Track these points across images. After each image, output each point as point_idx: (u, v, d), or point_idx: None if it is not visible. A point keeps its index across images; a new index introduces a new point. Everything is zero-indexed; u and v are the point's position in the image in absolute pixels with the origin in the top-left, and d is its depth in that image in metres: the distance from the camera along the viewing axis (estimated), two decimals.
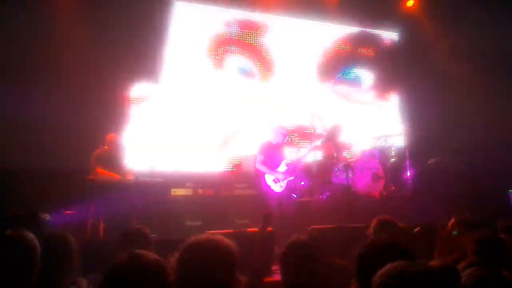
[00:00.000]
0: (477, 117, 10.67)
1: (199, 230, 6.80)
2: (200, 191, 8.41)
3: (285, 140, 8.55)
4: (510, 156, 9.49)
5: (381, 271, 1.72)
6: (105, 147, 7.85)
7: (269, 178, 7.86)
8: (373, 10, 11.34)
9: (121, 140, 8.19)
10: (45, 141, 8.35)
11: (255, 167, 8.01)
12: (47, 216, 4.49)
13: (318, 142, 9.09)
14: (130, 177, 7.55)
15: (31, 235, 2.75)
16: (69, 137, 8.47)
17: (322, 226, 5.96)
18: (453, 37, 11.13)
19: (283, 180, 7.81)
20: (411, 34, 12.04)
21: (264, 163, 7.87)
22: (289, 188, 8.02)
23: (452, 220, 4.33)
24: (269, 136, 8.20)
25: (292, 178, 8.00)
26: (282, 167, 7.91)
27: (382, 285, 1.64)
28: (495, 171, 9.42)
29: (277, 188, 7.81)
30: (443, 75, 11.53)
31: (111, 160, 7.66)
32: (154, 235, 5.31)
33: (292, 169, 8.05)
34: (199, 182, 8.54)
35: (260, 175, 7.92)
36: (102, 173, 7.37)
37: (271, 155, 7.91)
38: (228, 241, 2.28)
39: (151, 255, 1.95)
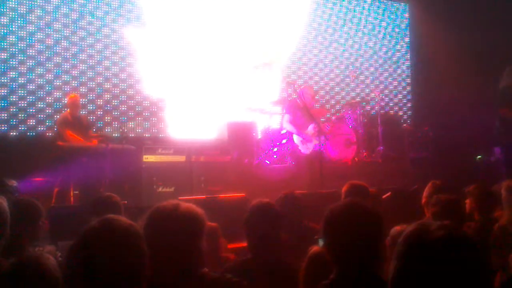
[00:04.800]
0: (450, 84, 10.77)
1: (171, 196, 6.77)
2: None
3: (312, 101, 8.49)
4: (478, 123, 9.64)
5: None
6: (67, 110, 7.67)
7: (296, 138, 7.83)
8: None
9: (80, 100, 8.00)
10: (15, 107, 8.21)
11: (282, 126, 7.99)
12: (14, 183, 4.40)
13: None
14: (98, 142, 7.43)
15: (2, 200, 2.69)
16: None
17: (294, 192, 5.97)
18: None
19: (311, 142, 7.74)
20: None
21: (291, 122, 7.84)
22: (317, 150, 7.99)
23: (429, 186, 4.44)
24: (295, 95, 8.14)
25: (322, 140, 7.99)
26: (310, 129, 7.86)
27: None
28: (464, 137, 9.58)
29: (305, 148, 7.77)
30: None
31: (77, 122, 7.50)
32: (125, 202, 5.27)
33: (320, 131, 8.06)
34: (171, 148, 8.45)
35: (286, 135, 7.93)
36: (72, 136, 7.21)
37: (298, 115, 7.84)
38: (195, 207, 2.26)
39: (124, 219, 1.91)
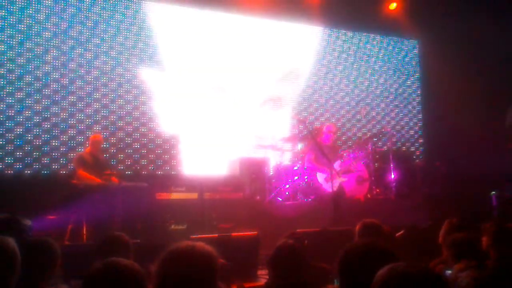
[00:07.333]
0: (461, 119, 10.75)
1: (183, 234, 6.76)
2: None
3: (334, 137, 8.65)
4: (492, 158, 9.57)
5: (381, 272, 1.72)
6: (88, 148, 7.75)
7: (320, 176, 7.88)
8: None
9: (103, 141, 8.13)
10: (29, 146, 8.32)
11: (305, 164, 8.14)
12: (28, 222, 4.42)
13: (301, 146, 9.09)
14: (115, 180, 7.47)
15: (12, 242, 2.70)
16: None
17: (306, 230, 5.94)
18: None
19: (335, 179, 7.77)
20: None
21: (315, 160, 7.93)
22: (340, 188, 7.98)
23: (445, 224, 4.39)
24: (319, 135, 8.35)
25: (345, 179, 8.01)
26: (336, 167, 7.94)
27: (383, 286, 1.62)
28: (478, 173, 9.50)
29: (328, 186, 7.81)
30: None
31: (94, 162, 7.56)
32: (138, 240, 5.27)
33: (345, 169, 8.09)
34: (183, 185, 8.47)
35: (310, 172, 8.07)
36: (85, 175, 7.26)
37: (321, 154, 7.92)
38: (209, 248, 2.26)
39: (127, 262, 1.93)
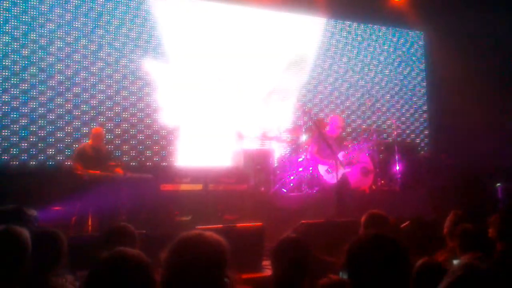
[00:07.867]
0: (467, 111, 10.71)
1: (188, 225, 6.77)
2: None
3: (341, 132, 8.59)
4: (498, 150, 9.54)
5: (454, 267, 1.73)
6: (89, 141, 7.76)
7: (321, 168, 7.89)
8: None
9: (104, 135, 8.13)
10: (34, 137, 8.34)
11: (308, 156, 8.14)
12: (34, 212, 4.43)
13: (306, 138, 9.08)
14: (120, 171, 7.48)
15: (24, 232, 2.72)
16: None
17: (311, 221, 5.94)
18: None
19: (337, 171, 7.75)
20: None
21: (317, 153, 7.92)
22: (344, 179, 7.92)
23: (451, 215, 4.38)
24: (323, 126, 8.30)
25: (348, 170, 8.00)
26: (340, 157, 7.92)
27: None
28: (483, 165, 9.48)
29: (330, 178, 7.82)
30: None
31: (95, 154, 7.56)
32: (144, 231, 5.28)
33: (348, 161, 8.06)
34: (187, 176, 8.47)
35: (313, 164, 8.07)
36: (81, 171, 7.24)
37: (325, 146, 7.90)
38: (218, 237, 2.25)
39: (134, 251, 1.93)
